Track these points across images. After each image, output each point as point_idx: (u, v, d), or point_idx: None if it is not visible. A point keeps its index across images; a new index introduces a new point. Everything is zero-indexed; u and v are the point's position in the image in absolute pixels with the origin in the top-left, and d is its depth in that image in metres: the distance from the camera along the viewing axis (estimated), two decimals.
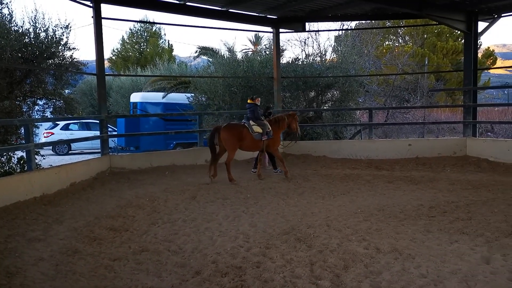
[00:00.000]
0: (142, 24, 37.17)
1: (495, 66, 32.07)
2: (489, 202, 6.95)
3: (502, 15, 12.15)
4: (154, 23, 35.45)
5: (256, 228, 5.84)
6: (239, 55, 17.29)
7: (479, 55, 28.21)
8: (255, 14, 12.45)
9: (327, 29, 40.33)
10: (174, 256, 4.87)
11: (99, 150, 10.91)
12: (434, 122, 19.44)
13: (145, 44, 38.03)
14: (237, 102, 14.11)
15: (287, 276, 4.19)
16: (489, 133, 18.15)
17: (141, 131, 15.86)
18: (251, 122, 9.56)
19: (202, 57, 22.68)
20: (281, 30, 13.14)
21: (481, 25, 12.53)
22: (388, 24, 26.21)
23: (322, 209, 6.83)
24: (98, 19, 10.06)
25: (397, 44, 30.89)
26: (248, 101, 9.87)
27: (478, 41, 20.98)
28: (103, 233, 5.71)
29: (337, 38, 19.03)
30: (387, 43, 30.69)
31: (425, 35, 29.26)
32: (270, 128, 9.64)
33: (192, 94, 15.28)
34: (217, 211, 6.77)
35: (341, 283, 4.03)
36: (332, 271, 4.26)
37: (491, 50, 31.38)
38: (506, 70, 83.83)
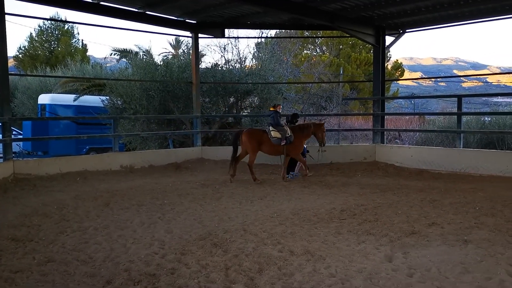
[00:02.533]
0: (53, 22, 35.05)
1: (402, 78, 34.52)
2: (394, 205, 7.40)
3: (407, 30, 13.14)
4: (65, 21, 33.52)
5: (172, 234, 5.74)
6: (159, 59, 17.00)
7: (389, 67, 30.21)
8: (173, 17, 12.29)
9: (247, 36, 40.97)
10: (84, 265, 4.63)
11: (1, 155, 10.10)
12: (347, 129, 20.48)
13: (56, 43, 35.89)
14: (155, 107, 13.83)
15: (201, 281, 4.16)
16: (397, 140, 19.48)
17: (50, 135, 14.94)
18: (271, 128, 9.91)
19: (120, 58, 21.95)
20: (200, 35, 13.09)
21: (389, 39, 13.49)
22: (306, 34, 27.20)
23: (239, 214, 6.86)
24: (1, 14, 9.33)
25: (315, 54, 32.10)
26: (270, 108, 10.35)
27: (388, 54, 22.25)
28: (4, 244, 5.27)
29: (257, 45, 19.42)
30: (305, 52, 31.78)
31: (341, 46, 30.71)
32: (290, 134, 9.87)
33: (107, 97, 14.71)
34: (132, 218, 6.55)
35: (255, 286, 4.07)
36: (246, 275, 4.30)
37: (400, 62, 33.68)
38: (413, 81, 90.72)
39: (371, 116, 14.00)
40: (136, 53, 17.19)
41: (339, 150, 12.97)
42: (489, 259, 4.64)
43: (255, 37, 18.99)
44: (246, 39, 26.59)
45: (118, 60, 22.19)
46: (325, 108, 21.81)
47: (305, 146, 10.86)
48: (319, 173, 11.05)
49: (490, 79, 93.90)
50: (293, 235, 5.61)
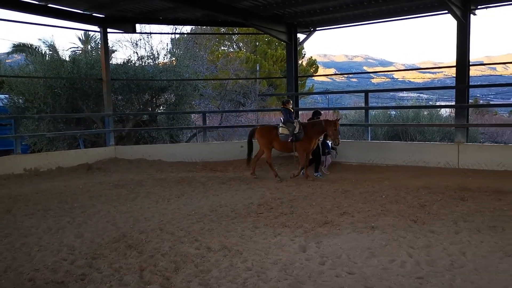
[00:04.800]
0: None
1: (317, 74, 35.77)
2: (309, 197, 7.68)
3: (317, 28, 13.63)
4: None
5: (83, 238, 5.47)
6: (67, 54, 16.08)
7: (304, 63, 31.10)
8: (80, 11, 11.64)
9: (160, 32, 39.85)
10: None
11: None
12: (264, 125, 20.70)
13: None
14: (62, 105, 13.06)
15: (114, 285, 4.03)
16: None
17: None
18: (281, 124, 9.82)
19: (12, 52, 20.41)
20: (109, 30, 12.53)
21: (301, 37, 13.91)
22: (223, 30, 27.13)
23: (156, 213, 6.72)
24: None
25: (231, 50, 32.15)
26: (281, 105, 10.17)
27: (303, 51, 22.71)
28: None
29: (172, 41, 19.05)
30: (222, 48, 31.71)
31: (257, 43, 31.01)
32: (299, 131, 9.54)
33: (7, 96, 13.65)
34: (37, 224, 6.13)
35: (171, 285, 4.02)
36: (162, 275, 4.22)
37: (314, 59, 34.71)
38: (327, 77, 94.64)
39: None
40: (39, 48, 16.09)
41: (256, 146, 13.09)
42: (392, 243, 4.99)
43: (168, 33, 18.57)
44: (160, 35, 25.73)
45: (11, 53, 20.59)
46: (243, 104, 21.97)
47: (329, 142, 10.43)
48: (238, 169, 11.13)
49: (396, 75, 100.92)
50: (211, 232, 5.61)
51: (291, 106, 10.12)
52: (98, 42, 14.86)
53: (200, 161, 12.09)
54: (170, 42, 19.39)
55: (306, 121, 10.35)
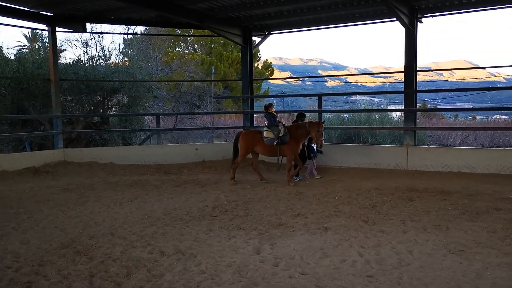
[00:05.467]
0: None
1: (272, 77, 36.08)
2: (264, 199, 7.73)
3: (272, 32, 13.75)
4: None
5: (29, 245, 5.25)
6: (12, 53, 15.39)
7: (260, 66, 31.29)
8: (26, 9, 11.14)
9: (111, 31, 38.81)
10: None
11: None
12: (219, 127, 20.58)
13: None
14: (6, 106, 12.47)
15: None
16: None
17: None
18: (265, 128, 9.67)
19: None
20: (58, 28, 12.07)
21: (257, 40, 14.00)
22: (178, 31, 26.85)
23: (107, 218, 6.55)
24: None
25: (187, 52, 31.84)
26: (264, 110, 10.02)
27: (258, 54, 22.69)
28: None
29: (124, 42, 18.66)
30: (177, 49, 31.35)
31: (213, 45, 30.88)
32: (284, 134, 9.36)
33: None
34: None
35: None
36: (113, 281, 4.12)
37: (270, 62, 35.02)
38: (283, 80, 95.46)
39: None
40: None
41: (211, 148, 13.07)
42: (344, 243, 5.12)
43: (120, 33, 18.16)
44: (111, 34, 25.03)
45: None
46: (198, 106, 21.83)
47: (314, 146, 10.25)
48: (193, 171, 11.03)
49: (350, 79, 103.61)
50: (164, 236, 5.54)
51: (274, 110, 10.00)
52: (46, 40, 14.30)
53: (154, 164, 11.91)
54: (122, 42, 19.01)
55: (289, 125, 10.21)
